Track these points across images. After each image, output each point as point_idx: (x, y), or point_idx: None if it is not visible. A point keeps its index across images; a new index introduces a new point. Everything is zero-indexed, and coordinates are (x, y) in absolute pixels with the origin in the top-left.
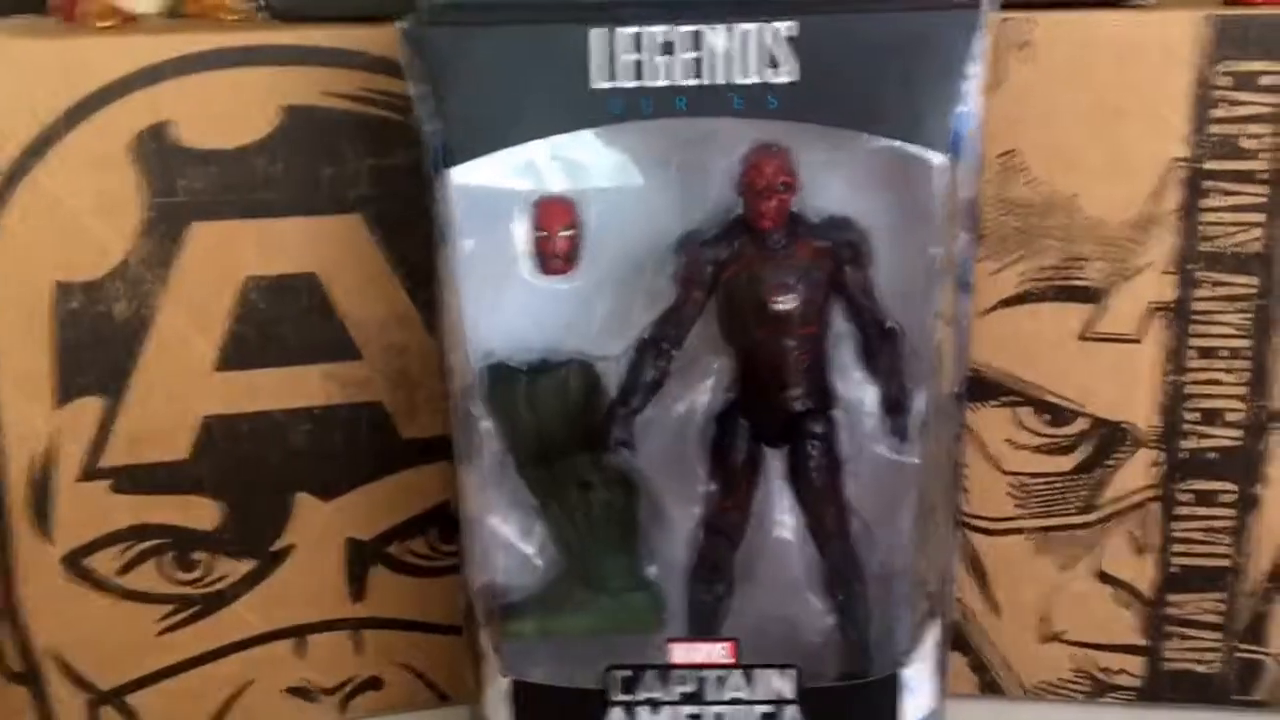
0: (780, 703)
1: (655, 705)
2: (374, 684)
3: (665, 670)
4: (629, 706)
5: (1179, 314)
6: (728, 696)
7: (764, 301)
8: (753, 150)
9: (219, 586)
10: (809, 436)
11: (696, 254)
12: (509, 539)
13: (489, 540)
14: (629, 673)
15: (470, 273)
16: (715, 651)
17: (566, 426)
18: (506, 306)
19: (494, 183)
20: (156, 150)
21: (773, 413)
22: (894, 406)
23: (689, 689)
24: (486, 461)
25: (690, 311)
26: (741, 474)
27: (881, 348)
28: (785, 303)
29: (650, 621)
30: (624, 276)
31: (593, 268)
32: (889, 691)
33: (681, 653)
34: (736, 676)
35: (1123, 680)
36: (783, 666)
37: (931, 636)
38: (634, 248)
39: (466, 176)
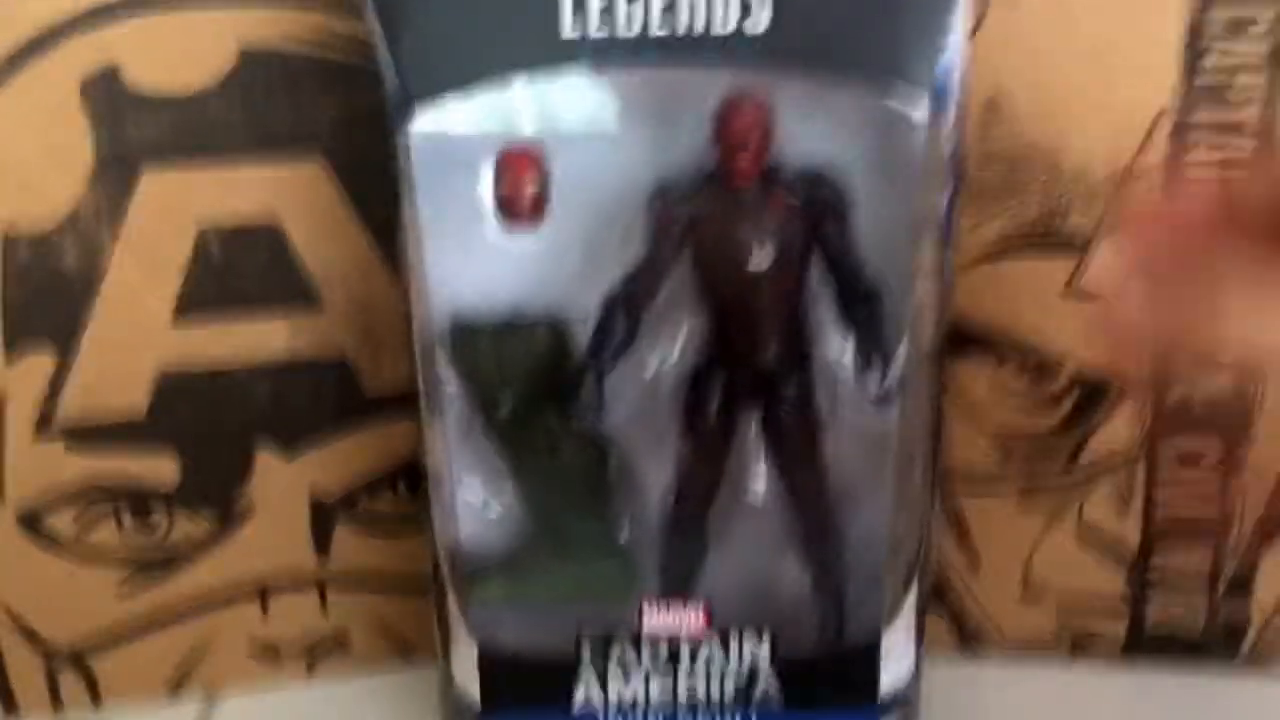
0: (756, 669)
1: (627, 672)
2: (340, 642)
3: (637, 637)
4: (600, 674)
5: None
6: (702, 663)
7: (738, 258)
8: (726, 101)
9: (179, 544)
10: (784, 397)
11: (667, 208)
12: (476, 501)
13: (456, 502)
14: (600, 640)
15: (433, 226)
16: (688, 618)
17: (534, 387)
18: (472, 261)
19: (458, 131)
20: (106, 95)
21: (747, 372)
22: (871, 367)
23: (662, 656)
24: (452, 421)
25: (661, 268)
26: (714, 435)
27: (859, 306)
28: (760, 259)
29: (622, 588)
30: (594, 231)
31: (562, 222)
32: (868, 657)
33: (653, 619)
34: (711, 643)
35: (1105, 637)
36: (759, 632)
37: (911, 600)
38: (605, 201)
39: (428, 124)
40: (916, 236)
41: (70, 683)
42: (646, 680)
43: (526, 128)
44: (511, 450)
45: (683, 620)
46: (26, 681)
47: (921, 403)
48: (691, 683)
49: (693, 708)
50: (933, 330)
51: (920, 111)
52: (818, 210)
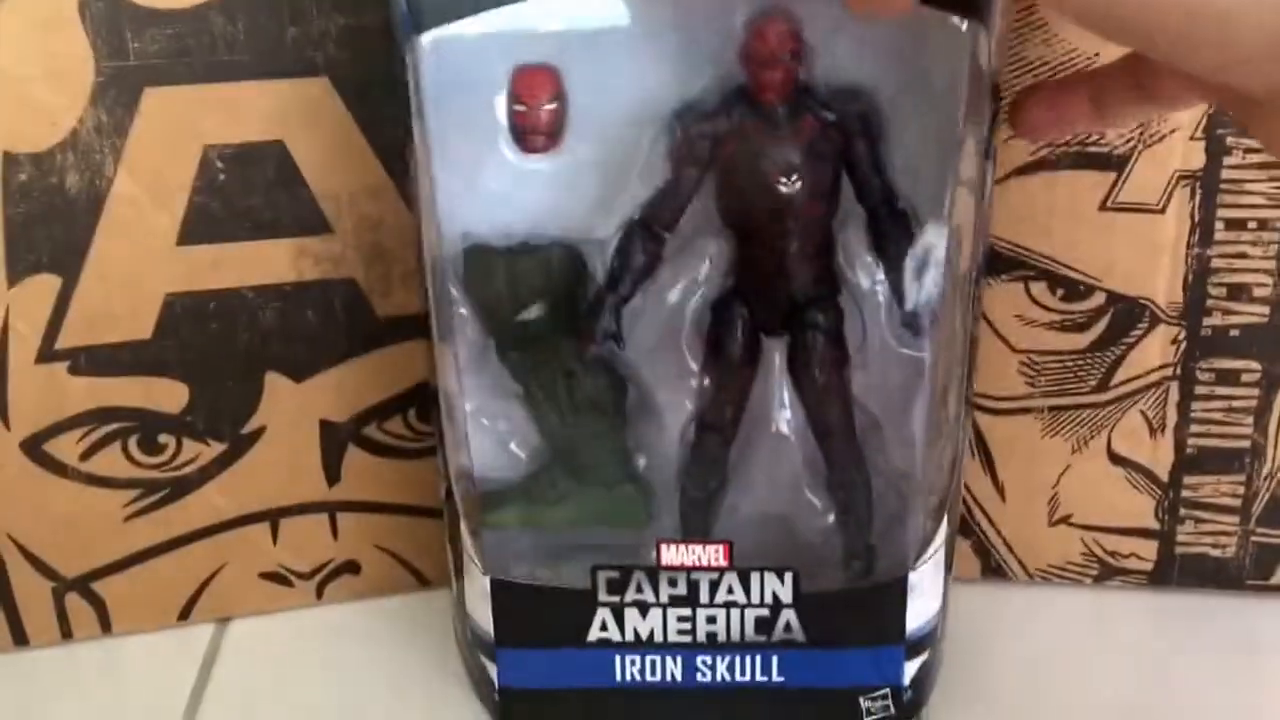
0: (778, 605)
1: (644, 608)
2: (351, 568)
3: (654, 572)
4: (616, 609)
5: (1206, 183)
6: (721, 600)
7: (767, 181)
8: (757, 14)
9: (188, 470)
10: (812, 326)
11: (691, 128)
12: (489, 426)
13: (468, 427)
14: (616, 573)
15: (444, 147)
16: (708, 553)
17: (549, 313)
18: (485, 184)
19: (470, 49)
20: (105, 10)
21: (773, 301)
22: (905, 293)
23: (679, 591)
24: (464, 344)
25: (685, 191)
26: (738, 366)
27: (893, 231)
28: (790, 183)
29: (637, 516)
30: (615, 153)
31: (581, 142)
32: (895, 595)
33: (672, 554)
34: (731, 579)
35: (1133, 564)
36: (780, 569)
37: (941, 537)
38: (626, 121)
39: (440, 41)
40: (956, 155)
41: (79, 609)
42: (664, 616)
43: (544, 46)
44: (526, 376)
45: (702, 557)
46: (34, 609)
47: (956, 330)
48: (710, 619)
49: (712, 644)
50: (970, 252)
51: (963, 20)
52: (852, 129)
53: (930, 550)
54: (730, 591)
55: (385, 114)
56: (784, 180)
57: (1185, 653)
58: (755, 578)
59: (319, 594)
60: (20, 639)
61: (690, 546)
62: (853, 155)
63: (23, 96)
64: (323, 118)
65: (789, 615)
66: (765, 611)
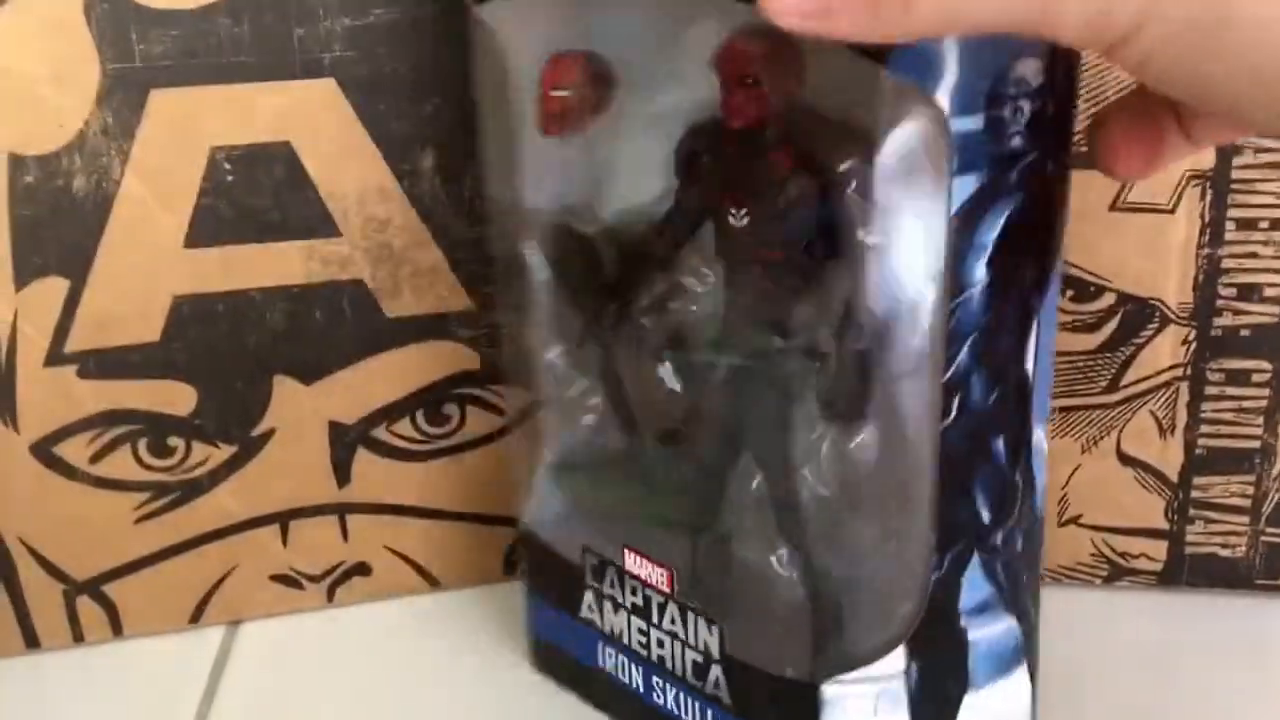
0: (709, 657)
1: (615, 605)
2: (362, 570)
3: (622, 573)
4: (598, 595)
5: (1216, 183)
6: (667, 627)
7: (722, 211)
8: (733, 33)
9: (197, 473)
10: (760, 380)
11: (687, 141)
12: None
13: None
14: (596, 560)
15: (486, 112)
16: (654, 573)
17: (582, 296)
18: (517, 154)
19: (518, 32)
20: (111, 11)
21: (743, 345)
22: (834, 376)
23: (639, 601)
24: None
25: (688, 205)
26: (717, 402)
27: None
28: (737, 216)
29: (670, 526)
30: (642, 152)
31: (603, 132)
32: (803, 701)
33: (631, 561)
34: (673, 609)
35: (1142, 564)
36: (711, 619)
37: (892, 666)
38: (644, 123)
39: (492, 22)
40: (882, 224)
41: (90, 612)
42: (629, 621)
43: (586, 35)
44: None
45: (650, 574)
46: (45, 612)
47: (914, 432)
48: (660, 642)
49: (662, 669)
50: (924, 347)
51: (885, 74)
52: (828, 176)
53: (862, 674)
54: (673, 622)
55: (393, 114)
56: (732, 211)
57: (1195, 653)
58: (690, 617)
59: (330, 596)
60: (31, 642)
61: (641, 559)
62: (831, 204)
63: (29, 98)
64: (330, 119)
65: (717, 671)
66: (699, 657)
